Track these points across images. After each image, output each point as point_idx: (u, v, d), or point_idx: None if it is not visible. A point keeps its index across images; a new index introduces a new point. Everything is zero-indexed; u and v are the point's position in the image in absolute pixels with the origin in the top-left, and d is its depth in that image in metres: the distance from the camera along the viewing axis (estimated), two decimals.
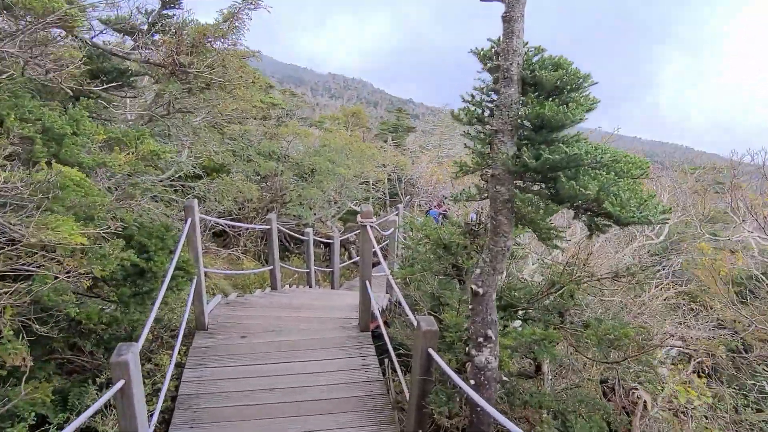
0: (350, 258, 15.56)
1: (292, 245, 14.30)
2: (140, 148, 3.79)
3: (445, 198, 14.02)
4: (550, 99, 2.89)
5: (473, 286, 3.29)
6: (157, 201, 7.08)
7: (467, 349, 3.54)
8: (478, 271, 3.31)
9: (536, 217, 3.29)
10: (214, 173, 10.73)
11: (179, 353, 6.06)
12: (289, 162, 13.43)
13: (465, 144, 3.35)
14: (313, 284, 11.18)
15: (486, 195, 3.47)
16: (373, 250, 6.14)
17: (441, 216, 13.66)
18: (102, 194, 3.58)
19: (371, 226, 5.95)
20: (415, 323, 4.14)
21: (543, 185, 3.08)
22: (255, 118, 11.52)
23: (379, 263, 14.46)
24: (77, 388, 5.05)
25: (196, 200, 5.97)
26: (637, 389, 4.85)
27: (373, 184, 18.78)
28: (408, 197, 20.83)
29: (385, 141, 25.86)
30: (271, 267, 8.82)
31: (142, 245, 5.06)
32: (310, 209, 12.37)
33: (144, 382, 5.76)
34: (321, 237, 13.21)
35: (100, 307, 5.18)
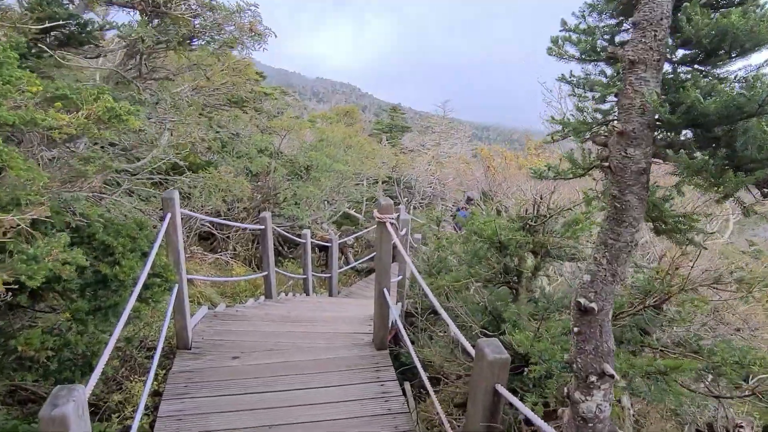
0: (347, 263, 14.49)
1: (285, 249, 13.19)
2: (94, 106, 2.72)
3: (471, 200, 12.99)
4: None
5: (582, 300, 2.25)
6: (131, 196, 5.97)
7: (567, 390, 2.49)
8: (587, 277, 2.27)
9: (658, 201, 2.26)
10: (199, 171, 9.64)
11: (156, 379, 4.96)
12: (282, 159, 12.34)
13: (573, 93, 2.31)
14: (311, 292, 10.10)
15: (586, 170, 2.43)
16: (392, 250, 5.09)
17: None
18: (35, 170, 2.50)
19: (391, 223, 4.89)
20: (469, 348, 3.09)
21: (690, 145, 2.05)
22: (245, 107, 10.42)
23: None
24: (28, 424, 3.97)
25: (176, 192, 4.88)
26: (742, 427, 3.85)
27: (368, 186, 17.71)
28: (405, 199, 19.79)
29: (380, 141, 24.83)
30: (266, 273, 7.72)
31: (107, 246, 3.96)
32: (307, 209, 11.27)
33: (110, 418, 4.67)
34: (317, 240, 12.12)
35: (54, 324, 4.08)
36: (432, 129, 23.73)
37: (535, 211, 3.93)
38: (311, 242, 9.87)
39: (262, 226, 7.44)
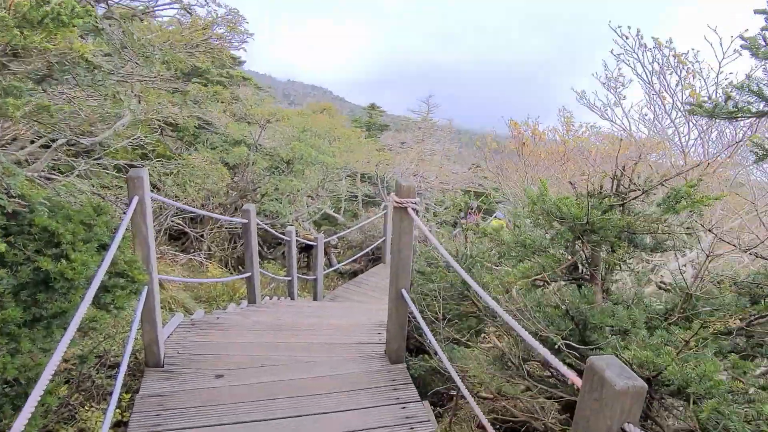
0: (330, 265, 13.54)
1: (265, 249, 12.16)
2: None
3: (471, 209, 12.27)
4: None
5: None
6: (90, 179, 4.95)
7: None
8: None
9: None
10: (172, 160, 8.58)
11: (119, 406, 3.96)
12: (262, 151, 11.32)
13: None
14: (296, 295, 9.13)
15: None
16: (411, 242, 4.19)
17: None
18: None
19: (414, 209, 4.00)
20: (564, 370, 2.23)
21: None
22: (221, 87, 9.39)
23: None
24: None
25: (145, 170, 3.90)
26: None
27: (348, 184, 16.74)
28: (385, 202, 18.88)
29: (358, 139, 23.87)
30: (249, 273, 6.74)
31: (51, 234, 2.97)
32: (290, 204, 10.27)
33: None
34: (301, 239, 11.15)
35: None
36: (416, 125, 22.88)
37: (614, 188, 3.09)
38: (297, 239, 8.92)
39: (245, 220, 6.47)
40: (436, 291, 4.82)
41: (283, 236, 8.79)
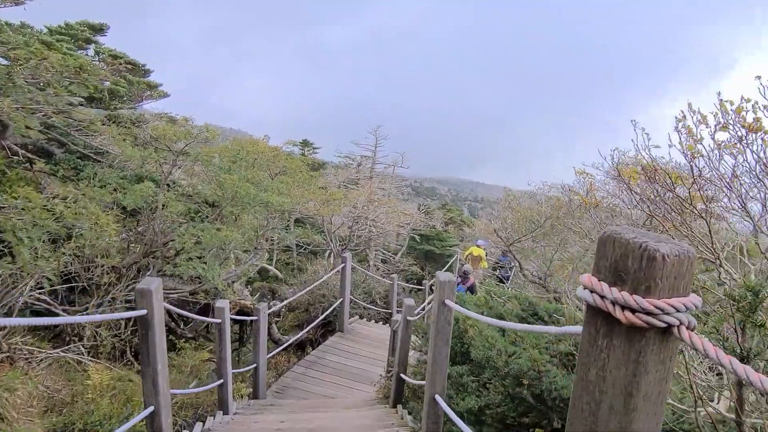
0: (271, 338, 10.28)
1: (180, 325, 8.80)
2: None
3: (468, 273, 11.34)
4: None
5: None
6: None
7: None
8: None
9: None
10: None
11: None
12: (176, 191, 8.16)
13: None
14: (231, 406, 5.96)
15: None
16: None
17: (467, 292, 10.60)
18: None
19: None
20: None
21: None
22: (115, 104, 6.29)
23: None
24: None
25: None
26: None
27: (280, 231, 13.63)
28: (338, 246, 15.89)
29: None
30: (151, 408, 3.60)
31: None
32: (220, 266, 7.12)
33: None
34: (234, 309, 8.00)
35: None
36: (364, 160, 20.21)
37: None
38: (231, 317, 5.82)
39: (143, 311, 3.39)
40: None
41: (206, 318, 5.69)
